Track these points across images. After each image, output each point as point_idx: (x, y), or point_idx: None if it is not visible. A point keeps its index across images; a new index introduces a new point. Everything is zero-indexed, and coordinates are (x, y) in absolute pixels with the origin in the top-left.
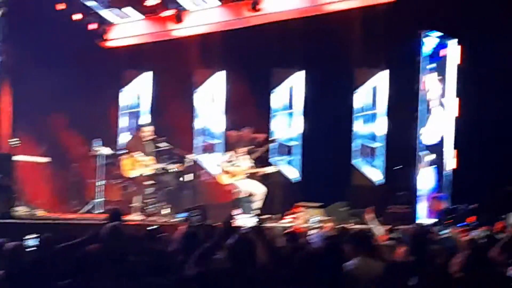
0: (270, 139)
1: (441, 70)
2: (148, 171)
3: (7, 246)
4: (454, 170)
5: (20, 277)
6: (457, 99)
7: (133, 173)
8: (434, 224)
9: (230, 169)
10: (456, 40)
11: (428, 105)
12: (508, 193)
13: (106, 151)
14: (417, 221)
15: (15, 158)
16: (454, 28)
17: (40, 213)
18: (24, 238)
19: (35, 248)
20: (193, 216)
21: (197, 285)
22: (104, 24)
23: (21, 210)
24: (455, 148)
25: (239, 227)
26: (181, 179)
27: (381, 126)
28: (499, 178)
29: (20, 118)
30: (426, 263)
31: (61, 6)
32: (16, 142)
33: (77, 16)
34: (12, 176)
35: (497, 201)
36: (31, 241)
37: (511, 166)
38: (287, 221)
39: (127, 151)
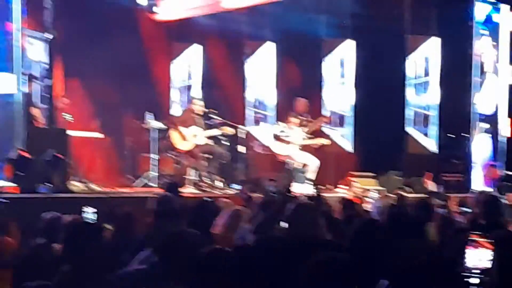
0: (325, 115)
1: (494, 36)
2: (198, 141)
3: (64, 220)
4: (508, 138)
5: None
6: (511, 66)
7: (184, 146)
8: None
9: (283, 141)
10: (508, 7)
11: (482, 72)
12: None
13: (158, 124)
14: (472, 189)
15: (69, 132)
16: None
17: (94, 187)
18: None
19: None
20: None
21: (256, 253)
22: None
23: (76, 185)
24: (509, 116)
25: (296, 197)
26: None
27: (434, 94)
28: None
29: (72, 93)
30: (497, 228)
31: None
32: (70, 117)
33: None
34: (67, 150)
35: None
36: (89, 214)
37: None
38: (341, 191)
39: (175, 124)
